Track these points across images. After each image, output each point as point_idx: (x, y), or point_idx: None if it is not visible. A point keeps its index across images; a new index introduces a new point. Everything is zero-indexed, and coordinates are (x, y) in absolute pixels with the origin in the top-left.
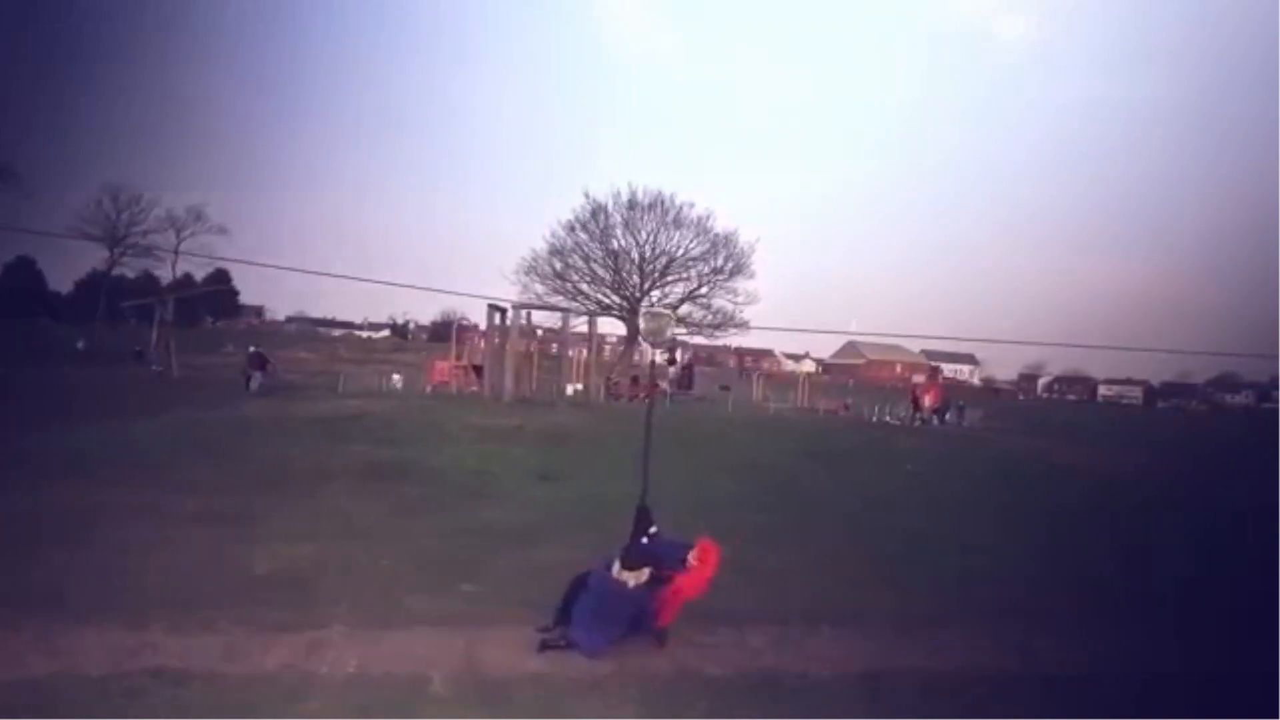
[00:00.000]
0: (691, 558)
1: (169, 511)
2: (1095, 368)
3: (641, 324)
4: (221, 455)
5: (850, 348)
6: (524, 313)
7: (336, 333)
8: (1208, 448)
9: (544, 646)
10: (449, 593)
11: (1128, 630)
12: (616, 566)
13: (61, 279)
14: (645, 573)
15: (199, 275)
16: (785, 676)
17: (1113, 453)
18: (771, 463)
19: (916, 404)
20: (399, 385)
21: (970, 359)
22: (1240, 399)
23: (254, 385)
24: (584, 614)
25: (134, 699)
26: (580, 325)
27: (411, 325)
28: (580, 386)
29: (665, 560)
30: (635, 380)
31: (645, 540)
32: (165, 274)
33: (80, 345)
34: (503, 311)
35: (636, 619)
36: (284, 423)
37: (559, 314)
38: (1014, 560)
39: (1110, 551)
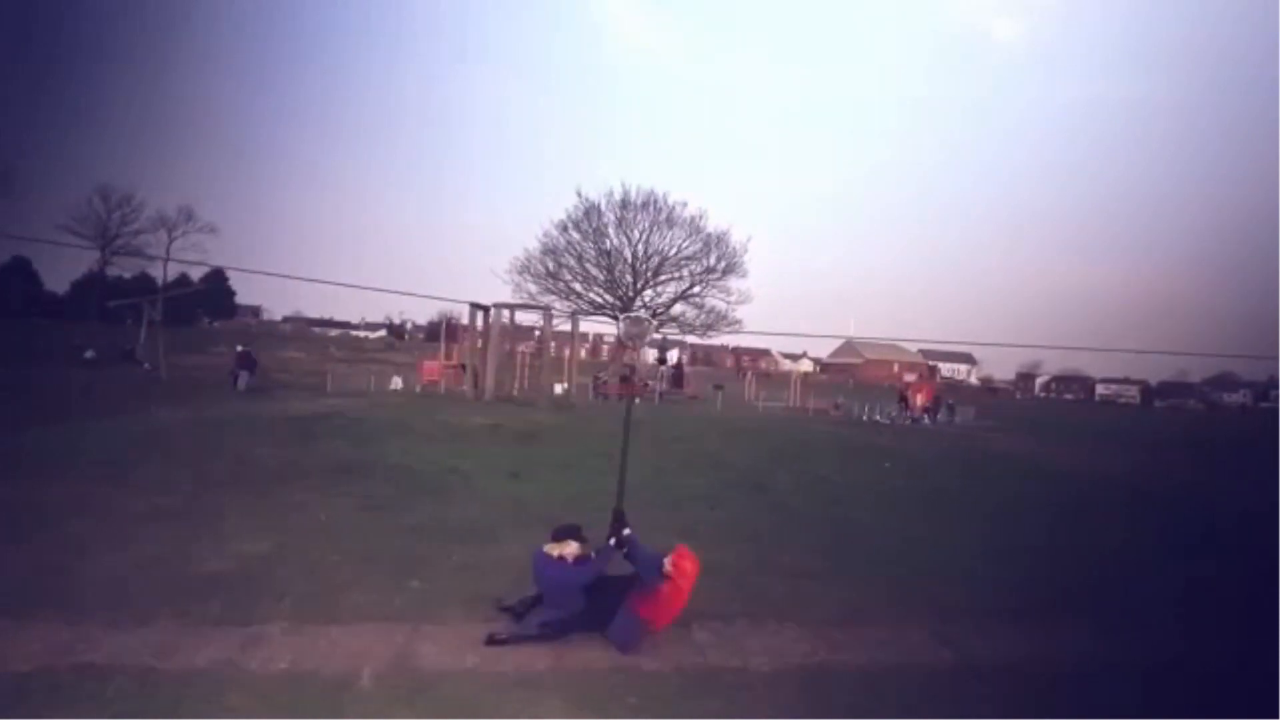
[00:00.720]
0: (667, 564)
1: (124, 510)
2: (1092, 367)
3: (622, 328)
4: (189, 454)
5: (848, 347)
6: (505, 312)
7: (333, 332)
8: (1198, 446)
9: (491, 641)
10: (396, 589)
11: (1072, 630)
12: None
13: (59, 280)
14: (571, 545)
15: (196, 276)
16: (723, 671)
17: (1098, 451)
18: (741, 461)
19: (904, 402)
20: (399, 386)
21: (968, 358)
22: (1237, 398)
23: (240, 384)
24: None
25: (54, 695)
26: (563, 325)
27: (409, 325)
28: (566, 385)
29: (644, 573)
30: (624, 379)
31: (613, 542)
32: (161, 274)
33: (89, 355)
34: (485, 311)
35: (577, 599)
36: (261, 421)
37: (540, 314)
38: (972, 557)
39: (1076, 551)
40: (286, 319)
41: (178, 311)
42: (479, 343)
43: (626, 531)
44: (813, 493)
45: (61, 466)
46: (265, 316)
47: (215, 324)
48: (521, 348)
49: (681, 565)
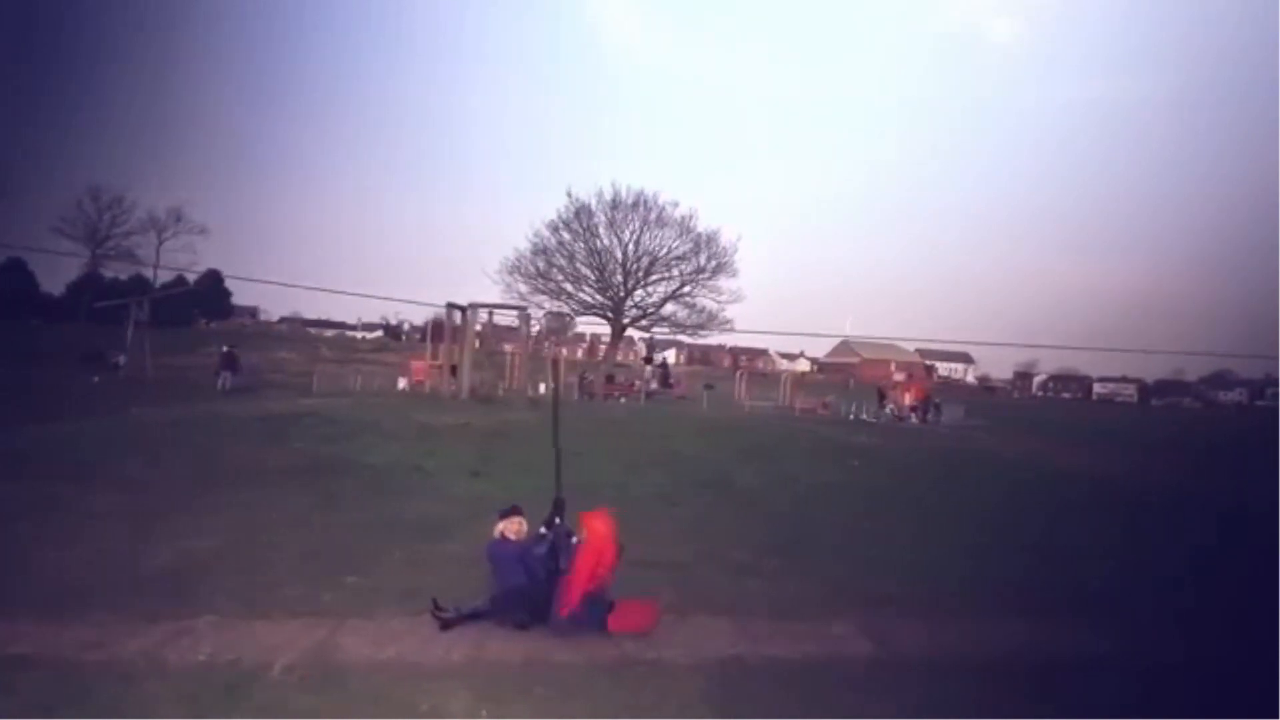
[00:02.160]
0: (582, 530)
1: (80, 508)
2: (1090, 366)
3: (544, 323)
4: (157, 454)
5: (845, 347)
6: (483, 312)
7: (329, 333)
8: (1192, 446)
9: (435, 615)
10: (332, 584)
11: (1008, 626)
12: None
13: (55, 281)
14: (500, 523)
15: (192, 278)
16: (637, 663)
17: (1081, 450)
18: (714, 460)
19: (883, 400)
20: (403, 386)
21: (965, 358)
22: (1234, 396)
23: (223, 384)
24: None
25: None
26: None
27: (405, 325)
28: (551, 385)
29: (565, 551)
30: (610, 379)
31: (543, 529)
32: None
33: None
34: (463, 311)
35: (515, 572)
36: (235, 421)
37: (517, 314)
38: (925, 555)
39: (1036, 549)
40: (283, 319)
41: (173, 312)
42: (456, 343)
43: (558, 520)
44: (777, 491)
45: (27, 465)
46: (262, 317)
47: (212, 325)
48: (506, 347)
49: (592, 524)
